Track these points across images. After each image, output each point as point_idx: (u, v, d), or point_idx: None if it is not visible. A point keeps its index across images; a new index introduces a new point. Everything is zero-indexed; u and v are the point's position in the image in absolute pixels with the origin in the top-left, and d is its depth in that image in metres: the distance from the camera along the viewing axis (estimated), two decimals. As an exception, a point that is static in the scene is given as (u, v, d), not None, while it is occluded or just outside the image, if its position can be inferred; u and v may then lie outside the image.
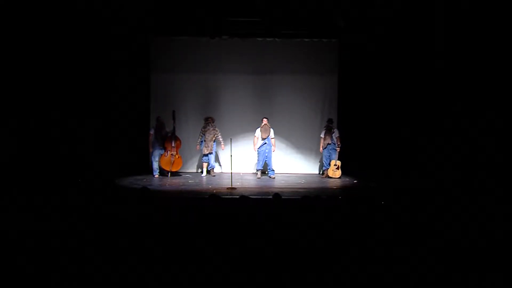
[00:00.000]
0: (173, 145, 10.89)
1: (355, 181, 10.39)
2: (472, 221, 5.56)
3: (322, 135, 11.34)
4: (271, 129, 11.12)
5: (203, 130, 11.25)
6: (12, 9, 9.89)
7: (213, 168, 11.48)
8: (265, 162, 11.25)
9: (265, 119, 11.12)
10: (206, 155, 11.29)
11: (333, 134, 11.14)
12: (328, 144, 11.13)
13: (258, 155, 11.25)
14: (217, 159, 11.91)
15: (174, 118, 10.92)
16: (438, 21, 10.28)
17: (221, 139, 11.23)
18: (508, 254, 4.14)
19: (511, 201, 7.21)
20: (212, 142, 11.21)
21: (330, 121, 11.36)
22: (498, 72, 9.96)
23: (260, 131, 11.08)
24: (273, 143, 11.18)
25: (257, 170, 11.32)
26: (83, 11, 10.30)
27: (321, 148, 11.34)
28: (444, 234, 4.90)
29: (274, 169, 11.28)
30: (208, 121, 11.25)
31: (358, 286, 3.35)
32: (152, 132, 11.02)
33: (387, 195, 8.09)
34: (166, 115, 11.17)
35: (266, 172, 11.40)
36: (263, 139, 11.05)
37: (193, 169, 12.17)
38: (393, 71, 11.47)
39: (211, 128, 11.20)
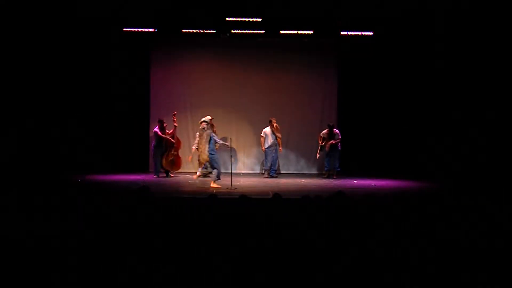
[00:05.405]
0: (173, 145, 10.88)
1: (355, 181, 10.38)
2: (473, 221, 5.56)
3: (322, 134, 11.16)
4: (277, 126, 11.01)
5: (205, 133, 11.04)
6: (17, 13, 9.95)
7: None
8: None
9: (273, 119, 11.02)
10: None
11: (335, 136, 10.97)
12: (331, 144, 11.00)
13: (266, 155, 11.15)
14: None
15: (175, 120, 10.88)
16: (438, 21, 10.28)
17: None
18: (508, 254, 4.14)
19: (511, 201, 7.21)
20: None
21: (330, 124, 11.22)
22: (498, 73, 9.96)
23: (271, 132, 10.97)
24: (280, 143, 11.08)
25: (265, 170, 11.25)
26: (83, 10, 10.31)
27: (327, 148, 11.07)
28: (444, 234, 4.89)
29: (276, 170, 11.21)
30: (210, 122, 11.07)
31: (358, 286, 3.35)
32: (156, 129, 10.81)
33: (387, 196, 8.09)
34: (166, 114, 11.16)
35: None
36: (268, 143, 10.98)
37: (193, 169, 12.15)
38: (393, 71, 11.47)
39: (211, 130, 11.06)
